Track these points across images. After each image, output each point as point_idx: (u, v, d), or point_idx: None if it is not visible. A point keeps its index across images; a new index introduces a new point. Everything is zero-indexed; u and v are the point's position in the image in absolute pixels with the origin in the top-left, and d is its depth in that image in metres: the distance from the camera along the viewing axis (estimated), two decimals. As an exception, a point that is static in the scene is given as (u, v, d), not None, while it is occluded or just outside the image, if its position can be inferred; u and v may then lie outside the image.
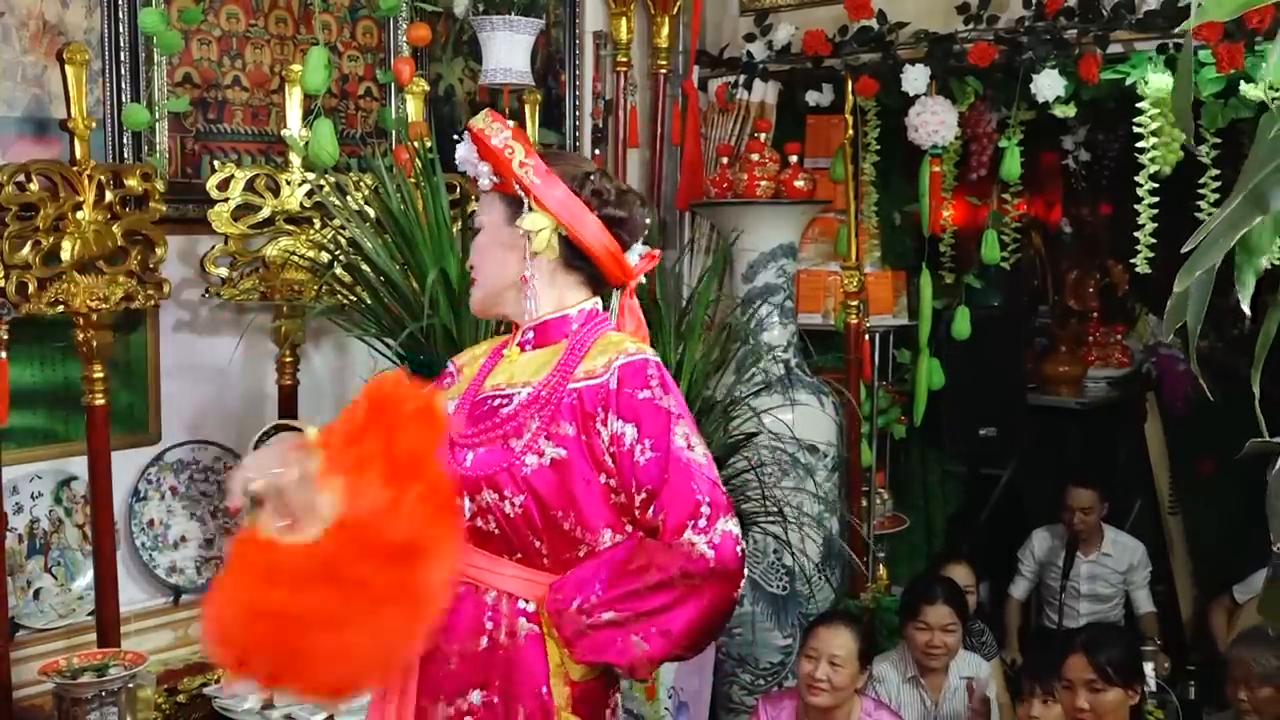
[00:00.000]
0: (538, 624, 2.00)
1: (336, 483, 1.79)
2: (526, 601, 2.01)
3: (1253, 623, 4.09)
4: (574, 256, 2.09)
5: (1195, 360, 1.40)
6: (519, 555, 2.01)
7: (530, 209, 2.05)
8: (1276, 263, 2.97)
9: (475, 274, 2.16)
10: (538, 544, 2.00)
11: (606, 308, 2.20)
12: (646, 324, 2.25)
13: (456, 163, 2.15)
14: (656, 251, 2.21)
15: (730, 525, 1.91)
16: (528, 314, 2.11)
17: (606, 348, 2.03)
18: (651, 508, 1.93)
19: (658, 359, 2.03)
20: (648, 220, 2.17)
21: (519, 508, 1.98)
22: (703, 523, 1.89)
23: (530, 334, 2.12)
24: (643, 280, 2.19)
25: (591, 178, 2.10)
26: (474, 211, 2.21)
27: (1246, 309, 1.28)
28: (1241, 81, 3.46)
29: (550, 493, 1.97)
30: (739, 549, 1.90)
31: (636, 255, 2.16)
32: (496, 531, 2.01)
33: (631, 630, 1.93)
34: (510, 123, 2.11)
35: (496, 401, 2.07)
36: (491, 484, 1.99)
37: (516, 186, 2.05)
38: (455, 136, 2.17)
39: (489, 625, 2.01)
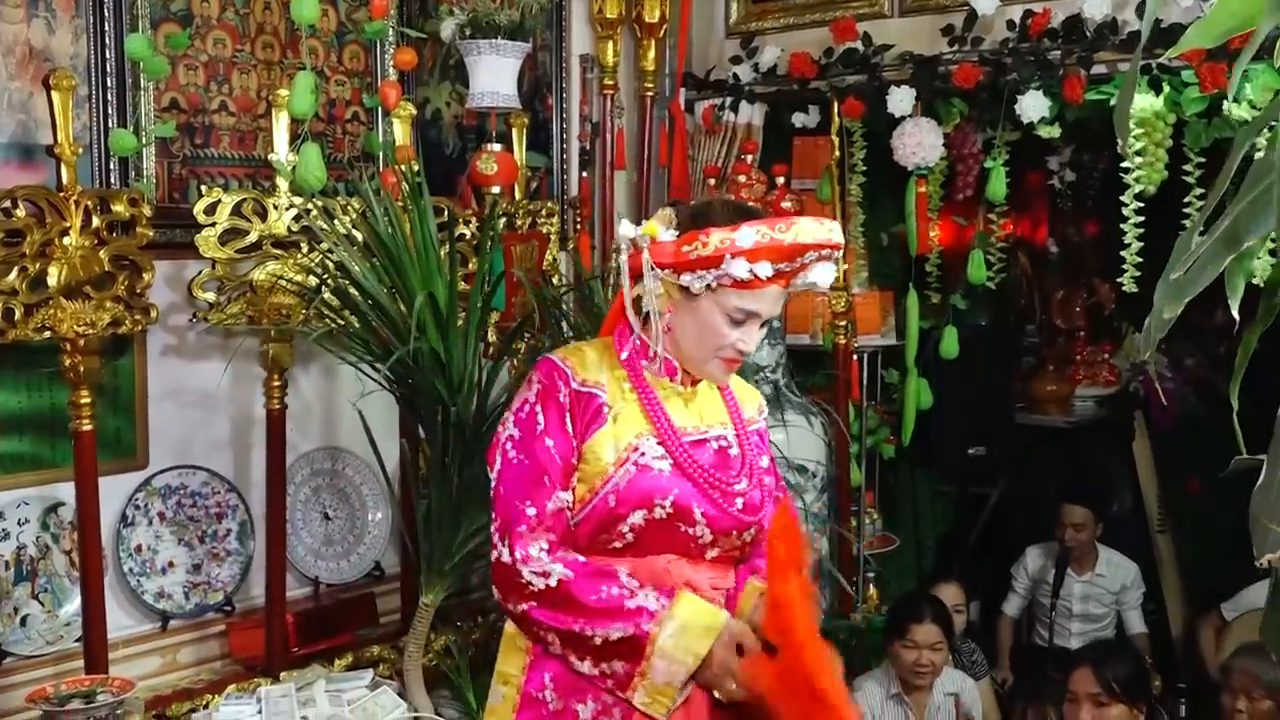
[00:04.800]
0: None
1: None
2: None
3: (1242, 639, 4.09)
4: None
5: (1156, 377, 1.41)
6: (740, 563, 2.30)
7: None
8: (1262, 280, 2.98)
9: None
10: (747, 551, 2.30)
11: None
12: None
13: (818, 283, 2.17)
14: None
15: None
16: None
17: (738, 387, 2.35)
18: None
19: None
20: None
21: (755, 532, 2.26)
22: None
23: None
24: None
25: None
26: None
27: (1236, 314, 1.28)
28: (1225, 101, 3.48)
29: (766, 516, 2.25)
30: None
31: None
32: (737, 554, 2.27)
33: None
34: None
35: (715, 445, 2.25)
36: (758, 525, 2.24)
37: None
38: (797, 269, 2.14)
39: None
